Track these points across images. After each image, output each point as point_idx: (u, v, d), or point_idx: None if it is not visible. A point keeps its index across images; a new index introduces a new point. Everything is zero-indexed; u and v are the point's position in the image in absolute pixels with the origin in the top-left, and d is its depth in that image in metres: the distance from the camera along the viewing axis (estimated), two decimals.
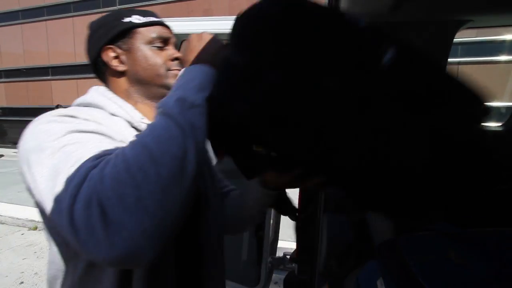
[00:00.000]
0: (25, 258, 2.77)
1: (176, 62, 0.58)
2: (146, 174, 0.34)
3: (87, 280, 0.47)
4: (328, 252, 1.25)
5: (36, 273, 2.52)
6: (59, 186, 0.36)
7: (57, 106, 7.73)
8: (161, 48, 0.56)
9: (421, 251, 0.64)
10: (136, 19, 0.55)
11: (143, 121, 0.53)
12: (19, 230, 3.48)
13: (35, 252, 2.92)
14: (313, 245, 1.35)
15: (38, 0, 9.29)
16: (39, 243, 3.14)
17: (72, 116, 0.44)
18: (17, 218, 3.66)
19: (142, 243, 0.32)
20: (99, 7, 8.67)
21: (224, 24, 1.59)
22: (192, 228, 0.56)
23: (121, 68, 0.55)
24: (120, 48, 0.55)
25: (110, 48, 0.55)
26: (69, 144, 0.39)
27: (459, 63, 5.34)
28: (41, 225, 3.51)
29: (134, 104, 0.55)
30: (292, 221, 1.03)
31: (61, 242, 0.47)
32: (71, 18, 9.03)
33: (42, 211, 0.43)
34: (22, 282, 2.37)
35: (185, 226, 0.42)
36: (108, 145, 0.41)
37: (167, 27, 0.59)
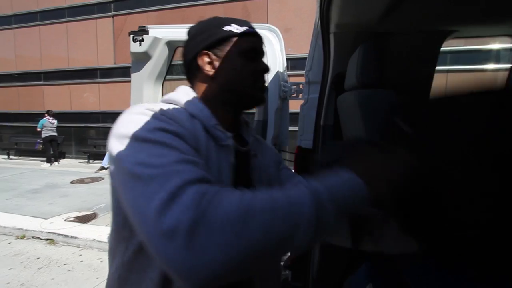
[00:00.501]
0: (11, 268, 2.68)
1: (263, 75, 0.60)
2: (253, 231, 0.35)
3: (133, 266, 0.49)
4: (322, 259, 1.25)
5: (22, 284, 2.44)
6: (151, 187, 0.36)
7: (48, 111, 7.58)
8: (252, 59, 0.59)
9: (413, 256, 0.64)
10: (235, 28, 0.58)
11: (217, 127, 0.55)
12: (6, 239, 3.38)
13: (22, 262, 2.83)
14: (307, 252, 1.34)
15: (32, 5, 9.24)
16: (26, 252, 3.05)
17: (161, 114, 0.47)
18: (4, 227, 3.55)
19: (223, 275, 0.34)
20: (93, 13, 8.66)
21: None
22: None
23: (212, 73, 0.58)
24: (215, 54, 0.58)
25: (207, 53, 0.58)
26: (158, 142, 0.41)
27: (448, 71, 5.48)
28: (29, 234, 3.42)
29: (214, 109, 0.57)
30: None
31: (119, 222, 0.49)
32: (65, 24, 8.98)
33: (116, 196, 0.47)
34: None
35: None
36: (190, 151, 0.43)
37: (261, 39, 0.61)
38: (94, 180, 6.04)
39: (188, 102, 0.56)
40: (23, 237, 3.41)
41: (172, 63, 1.81)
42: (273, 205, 0.37)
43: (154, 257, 0.35)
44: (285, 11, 7.01)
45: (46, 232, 3.39)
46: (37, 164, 7.91)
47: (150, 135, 0.42)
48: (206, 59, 0.58)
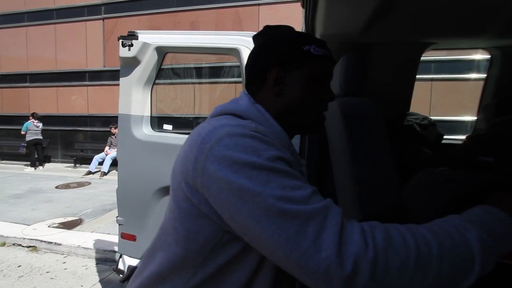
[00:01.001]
0: None
1: (326, 104, 0.58)
2: (427, 277, 0.36)
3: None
4: None
5: None
6: (308, 226, 0.36)
7: (33, 114, 7.38)
8: (321, 85, 0.57)
9: None
10: (314, 49, 0.55)
11: (294, 154, 0.55)
12: None
13: (2, 271, 2.73)
14: None
15: (19, 5, 9.05)
16: (6, 260, 2.94)
17: (267, 139, 0.44)
18: None
19: None
20: (83, 15, 8.56)
21: (210, 39, 1.64)
22: None
23: (278, 90, 0.55)
24: (286, 72, 0.55)
25: (278, 69, 0.55)
26: (286, 173, 0.40)
27: (432, 79, 5.68)
28: (10, 241, 3.30)
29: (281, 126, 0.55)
30: None
31: (194, 249, 0.47)
32: (53, 25, 8.83)
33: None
34: None
35: None
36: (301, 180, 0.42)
37: (333, 63, 0.59)
38: (80, 185, 5.90)
39: (266, 122, 0.53)
40: (3, 244, 3.29)
41: (162, 67, 1.81)
42: (442, 252, 0.37)
43: None
44: (276, 18, 7.12)
45: (28, 239, 3.28)
46: (21, 168, 7.66)
47: (276, 164, 0.40)
48: (276, 75, 0.55)
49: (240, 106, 0.54)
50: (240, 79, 1.51)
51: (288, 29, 0.59)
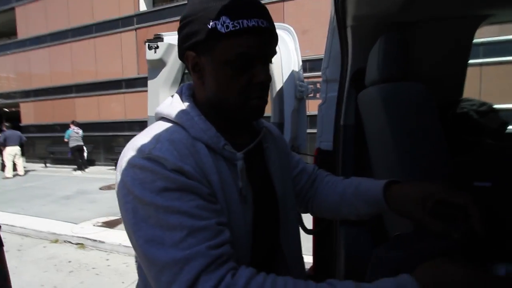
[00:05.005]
0: (45, 271, 2.83)
1: (257, 87, 0.47)
2: None
3: None
4: (347, 269, 1.16)
5: (55, 286, 2.55)
6: (165, 277, 0.38)
7: (72, 122, 8.01)
8: (243, 68, 0.46)
9: None
10: (223, 25, 0.43)
11: (226, 148, 0.48)
12: (42, 243, 3.59)
13: (55, 265, 2.98)
14: (330, 261, 1.26)
15: (64, 23, 9.96)
16: (59, 255, 3.21)
17: (159, 159, 0.42)
18: (40, 231, 3.78)
19: None
20: (118, 27, 9.14)
21: None
22: (271, 231, 0.57)
23: (198, 78, 0.49)
24: (200, 56, 0.47)
25: (191, 54, 0.47)
26: (167, 209, 0.40)
27: (481, 64, 5.08)
28: (61, 238, 3.61)
29: (215, 124, 0.49)
30: (307, 234, 0.95)
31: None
32: (93, 39, 9.57)
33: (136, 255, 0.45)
34: None
35: (264, 229, 0.50)
36: (198, 200, 0.42)
37: (266, 35, 0.45)
38: None
39: (189, 122, 0.48)
40: (56, 241, 3.60)
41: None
42: None
43: None
44: (301, 13, 6.92)
45: (76, 236, 3.56)
46: (69, 172, 8.41)
47: (158, 200, 0.40)
48: (191, 61, 0.48)
49: (167, 108, 0.51)
50: None
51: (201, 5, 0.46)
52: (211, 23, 0.44)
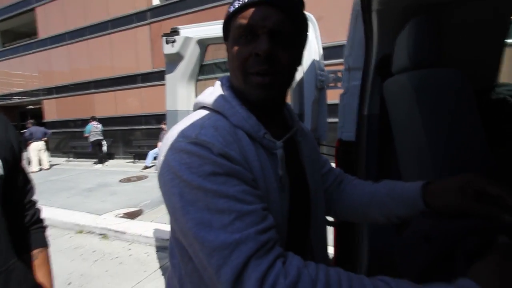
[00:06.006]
0: (72, 260, 2.97)
1: (255, 60, 0.46)
2: None
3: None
4: (371, 262, 1.13)
5: (82, 275, 2.69)
6: (214, 259, 0.38)
7: (92, 117, 8.32)
8: (247, 41, 0.46)
9: None
10: (233, 6, 0.47)
11: (266, 137, 0.49)
12: (68, 233, 3.77)
13: (82, 254, 3.13)
14: (353, 253, 1.24)
15: (81, 21, 10.20)
16: (84, 245, 3.37)
17: (205, 145, 0.43)
18: (65, 222, 3.96)
19: None
20: (132, 23, 9.26)
21: None
22: (304, 222, 0.57)
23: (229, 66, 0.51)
24: (227, 43, 0.51)
25: (225, 43, 0.52)
26: (215, 193, 0.40)
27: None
28: (86, 229, 3.77)
29: (253, 113, 0.50)
30: (329, 226, 0.93)
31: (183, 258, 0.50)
32: (108, 36, 9.76)
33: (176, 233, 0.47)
34: (70, 283, 2.54)
35: (298, 220, 0.51)
36: (244, 186, 0.42)
37: (265, 5, 0.45)
38: (139, 178, 6.48)
39: (230, 110, 0.49)
40: (81, 231, 3.78)
41: (205, 62, 1.81)
42: None
43: None
44: (319, 3, 6.71)
45: (99, 227, 3.71)
46: (91, 165, 8.75)
47: (206, 183, 0.41)
48: (227, 50, 0.52)
49: (208, 97, 0.52)
50: None
51: None
52: (230, 7, 0.49)
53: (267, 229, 0.40)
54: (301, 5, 0.50)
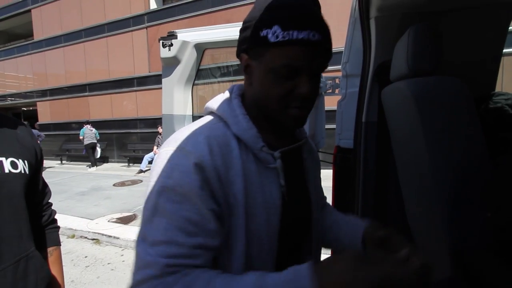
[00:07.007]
0: (63, 266, 2.90)
1: (299, 99, 0.47)
2: None
3: None
4: None
5: (72, 281, 2.61)
6: (135, 265, 0.43)
7: (87, 122, 8.27)
8: (288, 78, 0.46)
9: None
10: (274, 34, 0.44)
11: (263, 150, 0.49)
12: None
13: (72, 260, 3.05)
14: None
15: (77, 23, 10.16)
16: (76, 250, 3.29)
17: (185, 158, 0.44)
18: None
19: None
20: (129, 26, 9.25)
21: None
22: (303, 231, 0.58)
23: (248, 79, 0.51)
24: (252, 59, 0.49)
25: (244, 56, 0.50)
26: (159, 212, 0.43)
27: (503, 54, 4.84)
28: (78, 233, 3.69)
29: (259, 124, 0.51)
30: None
31: None
32: (105, 39, 9.73)
33: None
34: None
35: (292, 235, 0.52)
36: (193, 210, 0.43)
37: (316, 46, 0.45)
38: (134, 182, 6.40)
39: (233, 119, 0.50)
40: (73, 236, 3.70)
41: (201, 66, 1.79)
42: None
43: None
44: None
45: (92, 232, 3.64)
46: (85, 169, 8.62)
47: (161, 198, 0.43)
48: (245, 62, 0.50)
49: (216, 104, 0.53)
50: None
51: (262, 5, 0.47)
52: (263, 31, 0.45)
53: (182, 265, 0.41)
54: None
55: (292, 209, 0.52)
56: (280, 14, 0.44)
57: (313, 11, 0.46)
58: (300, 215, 0.56)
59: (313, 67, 0.46)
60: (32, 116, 11.58)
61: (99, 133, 8.59)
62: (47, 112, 11.47)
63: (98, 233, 3.59)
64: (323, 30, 0.45)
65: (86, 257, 3.14)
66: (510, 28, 1.03)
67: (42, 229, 0.82)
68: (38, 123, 11.23)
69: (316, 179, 0.63)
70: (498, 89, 1.11)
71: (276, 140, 0.53)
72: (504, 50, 1.09)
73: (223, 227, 0.45)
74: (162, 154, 0.46)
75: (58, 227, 0.89)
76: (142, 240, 0.43)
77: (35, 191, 0.77)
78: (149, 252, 0.41)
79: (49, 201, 0.88)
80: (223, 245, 0.46)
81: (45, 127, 11.09)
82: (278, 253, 0.50)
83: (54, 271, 0.81)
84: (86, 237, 3.63)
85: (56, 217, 0.90)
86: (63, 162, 10.34)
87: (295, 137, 0.60)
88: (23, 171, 0.68)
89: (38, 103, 11.66)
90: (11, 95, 12.45)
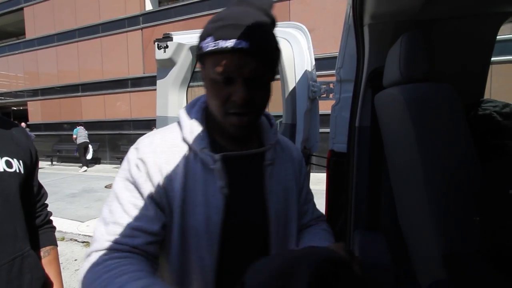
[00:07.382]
0: None
1: (235, 106, 0.49)
2: None
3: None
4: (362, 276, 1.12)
5: None
6: (93, 239, 0.50)
7: (78, 124, 8.16)
8: (226, 85, 0.48)
9: None
10: (207, 44, 0.48)
11: (203, 151, 0.53)
12: None
13: (62, 263, 2.99)
14: None
15: (71, 23, 10.05)
16: (65, 253, 3.22)
17: (135, 153, 0.53)
18: None
19: None
20: (124, 27, 9.19)
21: None
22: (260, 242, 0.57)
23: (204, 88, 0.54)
24: (202, 68, 0.53)
25: (200, 65, 0.54)
26: (115, 197, 0.51)
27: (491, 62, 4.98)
28: (68, 236, 3.62)
29: (217, 129, 0.56)
30: None
31: None
32: (99, 39, 9.64)
33: None
34: None
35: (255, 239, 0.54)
36: (139, 197, 0.51)
37: (242, 54, 0.46)
38: None
39: (184, 122, 0.56)
40: (62, 239, 3.62)
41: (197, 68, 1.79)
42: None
43: None
44: (308, 11, 6.88)
45: (82, 235, 3.57)
46: (76, 170, 8.48)
47: (116, 186, 0.52)
48: (201, 70, 0.54)
49: (181, 110, 0.59)
50: (278, 76, 1.43)
51: (212, 17, 0.51)
52: (201, 42, 0.49)
53: (121, 243, 0.48)
54: (276, 51, 0.52)
55: (238, 212, 0.53)
56: (214, 26, 0.48)
57: (246, 22, 0.47)
58: (249, 220, 0.55)
59: (245, 73, 0.47)
60: (22, 116, 11.35)
61: (91, 134, 8.49)
62: (38, 112, 11.27)
63: (89, 236, 3.52)
64: (252, 39, 0.46)
65: (76, 260, 3.07)
66: (497, 37, 1.06)
67: (38, 229, 0.82)
68: (28, 122, 11.02)
69: (289, 191, 0.60)
70: (486, 96, 1.14)
71: (233, 145, 0.56)
72: (492, 59, 1.12)
73: (164, 216, 0.51)
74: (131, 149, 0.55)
75: (54, 228, 0.89)
76: (101, 218, 0.51)
77: (30, 192, 0.77)
78: (100, 230, 0.49)
79: (45, 202, 0.88)
80: (163, 234, 0.51)
81: (35, 127, 10.89)
82: (222, 254, 0.52)
83: (52, 270, 0.81)
84: (76, 240, 3.56)
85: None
86: (54, 163, 10.14)
87: (262, 143, 0.60)
88: (18, 171, 0.68)
89: (29, 102, 11.45)
90: (1, 94, 12.20)
